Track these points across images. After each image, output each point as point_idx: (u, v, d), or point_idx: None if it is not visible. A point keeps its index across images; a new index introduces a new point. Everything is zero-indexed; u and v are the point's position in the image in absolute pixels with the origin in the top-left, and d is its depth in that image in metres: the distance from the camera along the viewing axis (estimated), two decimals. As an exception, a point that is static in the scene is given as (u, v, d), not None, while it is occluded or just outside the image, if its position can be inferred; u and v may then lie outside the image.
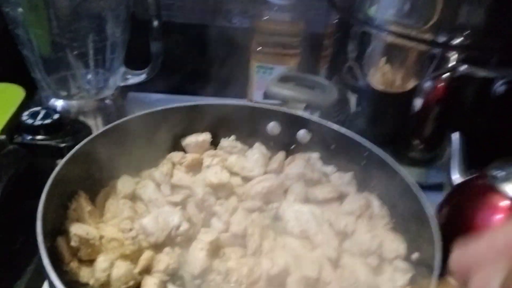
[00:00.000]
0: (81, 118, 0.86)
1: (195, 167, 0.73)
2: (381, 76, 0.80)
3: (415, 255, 0.60)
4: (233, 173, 0.72)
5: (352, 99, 0.86)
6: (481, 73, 0.71)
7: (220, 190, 0.68)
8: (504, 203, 0.58)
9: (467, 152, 0.69)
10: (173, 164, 0.73)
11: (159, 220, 0.59)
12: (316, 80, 0.84)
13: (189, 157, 0.74)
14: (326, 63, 0.98)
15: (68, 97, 0.87)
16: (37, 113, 0.69)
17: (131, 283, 0.54)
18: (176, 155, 0.74)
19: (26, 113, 0.69)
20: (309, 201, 0.70)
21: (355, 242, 0.62)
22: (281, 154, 0.77)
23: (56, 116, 0.69)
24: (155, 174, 0.69)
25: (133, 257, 0.56)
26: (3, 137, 0.64)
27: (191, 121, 0.76)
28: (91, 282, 0.53)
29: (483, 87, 0.74)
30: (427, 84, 0.76)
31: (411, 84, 0.78)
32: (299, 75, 0.86)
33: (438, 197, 0.71)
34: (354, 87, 0.85)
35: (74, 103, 0.87)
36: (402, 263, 0.60)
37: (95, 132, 0.66)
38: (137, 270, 0.55)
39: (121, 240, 0.57)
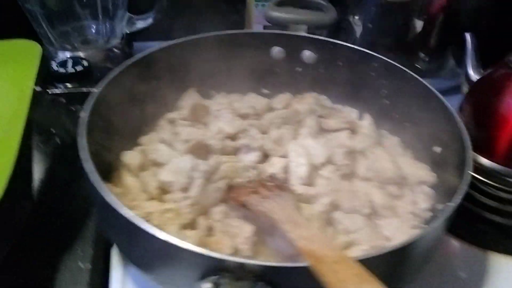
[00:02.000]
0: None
1: (199, 117, 0.72)
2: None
3: (437, 149, 0.63)
4: (241, 116, 0.72)
5: (356, 15, 0.86)
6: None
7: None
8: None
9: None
10: (172, 123, 0.71)
11: (173, 170, 0.59)
12: (313, 1, 0.84)
13: (187, 108, 0.71)
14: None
15: (75, 49, 0.83)
16: (66, 62, 0.69)
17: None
18: (171, 113, 0.72)
19: (54, 63, 0.68)
20: (323, 132, 0.71)
21: (373, 169, 0.63)
22: (287, 95, 0.77)
23: (85, 63, 0.68)
24: (162, 136, 0.67)
25: (190, 225, 0.55)
26: (39, 88, 0.62)
27: (196, 56, 0.75)
28: None
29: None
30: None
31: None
32: (295, -4, 0.85)
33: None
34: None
35: (81, 54, 0.83)
36: (427, 188, 0.61)
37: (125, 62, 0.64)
38: (203, 233, 0.54)
39: (175, 210, 0.55)
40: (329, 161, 0.64)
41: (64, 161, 0.62)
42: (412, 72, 0.76)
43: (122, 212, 0.43)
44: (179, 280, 0.44)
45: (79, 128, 0.51)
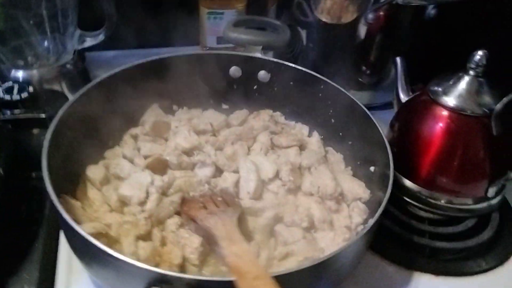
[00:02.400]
0: (46, 86, 0.89)
1: (162, 133, 0.79)
2: (328, 10, 0.88)
3: (372, 168, 0.72)
4: (199, 132, 0.79)
5: (303, 35, 0.94)
6: (416, 1, 0.80)
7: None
8: (444, 113, 0.70)
9: (409, 73, 0.80)
10: (135, 138, 0.78)
11: (133, 184, 0.66)
12: (268, 21, 0.91)
13: (148, 124, 0.78)
14: (275, 2, 1.04)
15: (27, 67, 0.90)
16: (12, 88, 0.72)
17: (158, 259, 0.59)
18: (134, 129, 0.79)
19: (0, 89, 0.72)
20: (275, 147, 0.79)
21: (316, 185, 0.71)
22: (244, 112, 0.86)
23: (31, 89, 0.73)
24: (124, 152, 0.74)
25: (146, 236, 0.62)
26: None
27: (158, 75, 0.81)
28: None
29: (417, 13, 0.84)
30: (368, 15, 0.85)
31: (354, 16, 0.86)
32: (252, 18, 0.92)
33: (387, 115, 0.83)
34: (303, 22, 0.93)
35: (35, 72, 0.90)
36: (361, 204, 0.71)
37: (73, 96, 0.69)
38: (157, 243, 0.61)
39: (133, 222, 0.62)
40: (276, 177, 0.71)
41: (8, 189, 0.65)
42: (354, 88, 0.83)
43: (81, 232, 0.51)
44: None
45: (42, 153, 0.58)
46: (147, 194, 0.66)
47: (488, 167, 0.70)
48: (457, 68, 0.70)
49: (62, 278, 0.65)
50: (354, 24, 0.87)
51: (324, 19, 0.89)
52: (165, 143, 0.78)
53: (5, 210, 0.66)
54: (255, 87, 0.86)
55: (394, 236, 0.73)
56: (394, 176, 0.75)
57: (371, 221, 0.56)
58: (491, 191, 0.71)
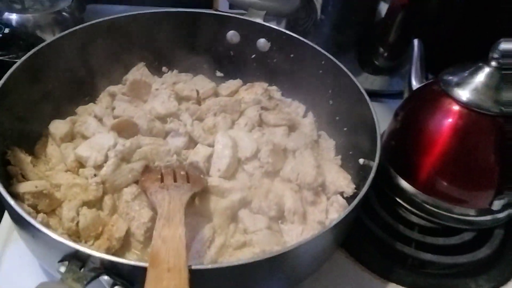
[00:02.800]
0: (38, 33, 0.84)
1: (141, 95, 0.72)
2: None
3: (361, 160, 0.63)
4: (182, 98, 0.73)
5: (317, 6, 0.84)
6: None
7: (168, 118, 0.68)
8: (455, 107, 0.60)
9: (426, 59, 0.70)
10: (113, 96, 0.72)
11: (93, 145, 0.61)
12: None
13: (129, 81, 0.72)
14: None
15: (22, 10, 0.85)
16: (-12, 26, 0.68)
17: (100, 229, 0.54)
18: (113, 87, 0.73)
19: (-28, 27, 0.68)
20: (262, 125, 0.72)
21: (296, 171, 0.63)
22: (236, 82, 0.78)
23: (7, 30, 0.68)
24: (94, 109, 0.69)
25: (96, 202, 0.57)
26: None
27: (149, 32, 0.75)
28: (60, 231, 0.53)
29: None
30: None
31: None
32: (261, -19, 0.83)
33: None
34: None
35: (29, 16, 0.85)
36: (342, 199, 0.62)
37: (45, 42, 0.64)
38: (105, 212, 0.56)
39: (83, 186, 0.57)
40: (255, 157, 0.64)
41: None
42: (368, 71, 0.73)
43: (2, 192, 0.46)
44: (48, 258, 0.48)
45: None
46: (106, 157, 0.60)
47: (497, 175, 0.60)
48: (478, 58, 0.60)
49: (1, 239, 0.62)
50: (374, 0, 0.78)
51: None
52: (142, 105, 0.71)
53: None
54: (253, 56, 0.78)
55: (375, 239, 0.64)
56: (389, 174, 0.67)
57: (343, 214, 0.48)
58: (497, 204, 0.61)
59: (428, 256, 0.62)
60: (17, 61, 0.67)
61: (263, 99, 0.74)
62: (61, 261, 0.42)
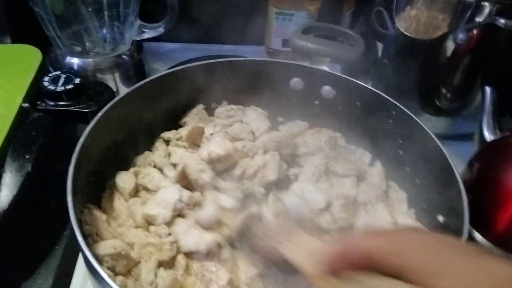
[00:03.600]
0: (99, 76, 0.86)
1: (196, 140, 0.73)
2: (411, 22, 0.78)
3: (440, 218, 0.62)
4: (237, 140, 0.73)
5: (378, 48, 0.84)
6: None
7: (225, 160, 0.68)
8: (535, 163, 0.59)
9: (498, 106, 0.69)
10: (167, 142, 0.72)
11: (159, 201, 0.60)
12: (342, 31, 0.82)
13: (184, 130, 0.72)
14: (351, 7, 0.95)
15: (83, 54, 0.87)
16: (58, 77, 0.70)
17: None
18: (168, 133, 0.73)
19: (46, 78, 0.69)
20: (329, 174, 0.71)
21: (371, 226, 0.62)
22: (302, 124, 0.78)
23: (77, 81, 0.69)
24: (154, 159, 0.69)
25: (170, 262, 0.56)
26: (26, 105, 0.64)
27: (211, 78, 0.76)
28: None
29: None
30: (459, 34, 0.74)
31: (441, 32, 0.75)
32: (324, 26, 0.83)
33: (465, 148, 0.73)
34: (380, 34, 0.83)
35: (90, 61, 0.87)
36: None
37: (118, 96, 0.65)
38: (180, 272, 0.56)
39: (157, 245, 0.56)
40: (327, 209, 0.63)
41: (35, 188, 0.61)
42: (430, 112, 0.72)
43: (88, 255, 0.47)
44: None
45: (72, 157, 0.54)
46: (174, 212, 0.60)
47: None
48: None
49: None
50: (440, 41, 0.76)
51: (406, 32, 0.79)
52: (197, 150, 0.70)
53: (31, 206, 0.63)
54: (316, 102, 0.78)
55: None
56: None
57: None
58: None
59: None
60: (87, 111, 0.70)
61: (325, 146, 0.74)
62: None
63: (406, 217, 0.66)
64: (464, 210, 0.55)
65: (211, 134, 0.72)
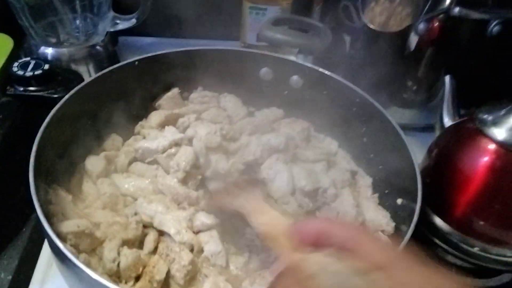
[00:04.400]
0: (73, 66, 0.87)
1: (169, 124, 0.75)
2: (376, 16, 0.80)
3: (399, 201, 0.64)
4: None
5: (346, 41, 0.87)
6: (476, 15, 0.71)
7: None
8: (491, 146, 0.61)
9: (458, 95, 0.71)
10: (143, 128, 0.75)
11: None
12: (310, 23, 0.84)
13: (157, 116, 0.75)
14: (320, 2, 0.97)
15: (57, 45, 0.88)
16: (27, 63, 0.71)
17: (141, 269, 0.55)
18: (141, 122, 0.76)
19: (16, 64, 0.70)
20: (297, 161, 0.73)
21: (336, 210, 0.65)
22: (277, 111, 0.80)
23: (46, 67, 0.71)
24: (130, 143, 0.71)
25: (135, 241, 0.58)
26: None
27: (182, 67, 0.78)
28: (101, 271, 0.54)
29: (477, 28, 0.74)
30: (422, 25, 0.77)
31: (406, 24, 0.78)
32: (292, 17, 0.86)
33: (429, 139, 0.74)
34: (348, 27, 0.86)
35: (64, 50, 0.88)
36: (384, 236, 0.63)
37: (86, 80, 0.67)
38: (145, 251, 0.57)
39: (123, 224, 0.58)
40: (292, 194, 0.66)
41: (3, 171, 0.64)
42: (397, 104, 0.74)
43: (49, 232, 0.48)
44: None
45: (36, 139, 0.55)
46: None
47: (536, 216, 0.60)
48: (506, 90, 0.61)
49: (40, 272, 0.63)
50: (404, 34, 0.79)
51: (371, 26, 0.81)
52: None
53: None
54: (285, 92, 0.80)
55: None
56: (425, 212, 0.68)
57: None
58: (537, 245, 0.62)
59: (468, 298, 0.62)
60: (55, 96, 0.71)
61: (297, 136, 0.76)
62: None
63: (369, 201, 0.69)
64: (418, 191, 0.57)
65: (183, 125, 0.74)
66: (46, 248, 0.65)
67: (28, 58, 0.71)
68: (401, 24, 0.79)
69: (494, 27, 0.74)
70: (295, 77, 0.78)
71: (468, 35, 0.76)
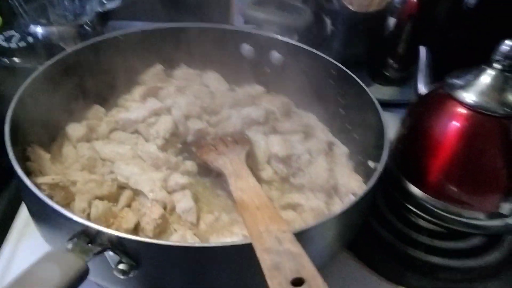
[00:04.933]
0: (62, 45, 0.90)
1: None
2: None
3: (371, 163, 0.65)
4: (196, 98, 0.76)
5: (327, 21, 0.88)
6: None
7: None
8: (461, 110, 0.62)
9: (433, 66, 0.72)
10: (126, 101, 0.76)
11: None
12: (291, 3, 0.86)
13: (139, 90, 0.77)
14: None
15: (47, 24, 0.90)
16: (11, 36, 0.73)
17: (112, 221, 0.56)
18: (125, 96, 0.77)
19: (1, 37, 0.73)
20: (275, 133, 0.74)
21: (308, 174, 0.66)
22: (258, 88, 0.81)
23: (30, 39, 0.73)
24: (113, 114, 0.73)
25: (110, 198, 0.59)
26: None
27: (166, 44, 0.80)
28: None
29: (453, 1, 0.76)
30: (399, 1, 0.78)
31: (383, 4, 0.80)
32: (274, -2, 0.88)
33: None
34: (328, 9, 0.88)
35: (54, 29, 0.89)
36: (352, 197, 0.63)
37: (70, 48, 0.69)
38: (119, 207, 0.58)
39: (99, 181, 0.59)
40: (269, 163, 0.69)
41: None
42: (379, 81, 0.75)
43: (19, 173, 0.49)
44: (58, 240, 0.48)
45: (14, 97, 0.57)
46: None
47: (505, 177, 0.60)
48: (482, 61, 0.62)
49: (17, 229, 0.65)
50: (382, 13, 0.81)
51: (349, 6, 0.83)
52: None
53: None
54: (266, 69, 0.81)
55: (384, 244, 0.65)
56: (398, 179, 0.69)
57: (349, 202, 0.49)
58: (506, 208, 0.62)
59: (436, 260, 0.62)
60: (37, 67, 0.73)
61: (277, 111, 0.77)
62: (71, 239, 0.43)
63: (343, 167, 0.69)
64: (384, 147, 0.58)
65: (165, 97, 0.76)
66: (23, 211, 0.67)
67: (12, 31, 0.74)
68: (379, 5, 0.80)
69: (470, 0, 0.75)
70: (275, 54, 0.80)
71: (445, 8, 0.78)
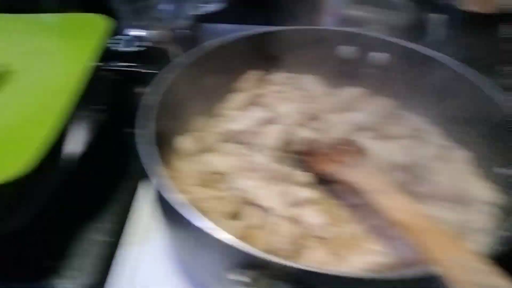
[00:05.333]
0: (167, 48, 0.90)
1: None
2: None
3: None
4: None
5: (433, 20, 0.83)
6: None
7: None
8: None
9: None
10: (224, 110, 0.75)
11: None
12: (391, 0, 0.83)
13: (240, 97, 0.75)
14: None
15: (144, 27, 0.90)
16: (120, 40, 0.74)
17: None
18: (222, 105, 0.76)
19: (110, 40, 0.74)
20: (384, 138, 0.70)
21: (432, 185, 0.62)
22: (356, 90, 0.78)
23: (138, 43, 0.74)
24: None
25: (234, 215, 0.57)
26: (94, 63, 0.67)
27: (263, 49, 0.78)
28: None
29: None
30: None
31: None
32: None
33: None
34: (436, 6, 0.82)
35: (151, 32, 0.90)
36: (492, 208, 0.59)
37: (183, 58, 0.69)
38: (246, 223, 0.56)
39: (219, 197, 0.58)
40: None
41: (103, 138, 0.67)
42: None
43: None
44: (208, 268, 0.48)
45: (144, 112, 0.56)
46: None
47: None
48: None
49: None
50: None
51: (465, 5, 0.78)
52: None
53: (95, 158, 0.67)
54: (367, 71, 0.78)
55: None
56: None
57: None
58: None
59: None
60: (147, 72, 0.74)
61: (381, 114, 0.73)
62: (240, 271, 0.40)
63: (467, 174, 0.65)
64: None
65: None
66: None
67: (121, 36, 0.75)
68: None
69: None
70: (378, 54, 0.76)
71: None
